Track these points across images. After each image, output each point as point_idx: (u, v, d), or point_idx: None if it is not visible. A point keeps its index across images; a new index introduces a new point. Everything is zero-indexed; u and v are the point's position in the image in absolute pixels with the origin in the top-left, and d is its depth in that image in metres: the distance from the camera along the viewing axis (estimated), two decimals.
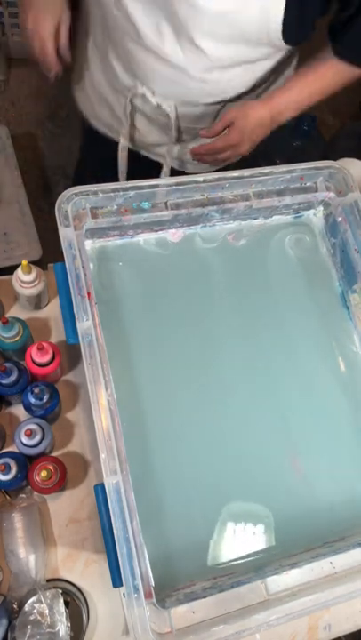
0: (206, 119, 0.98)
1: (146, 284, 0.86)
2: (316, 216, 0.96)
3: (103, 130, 1.11)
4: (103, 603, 0.77)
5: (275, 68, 0.92)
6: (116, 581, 0.64)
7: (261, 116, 0.89)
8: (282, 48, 0.84)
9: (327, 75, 0.89)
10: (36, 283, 0.82)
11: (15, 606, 0.72)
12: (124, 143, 1.07)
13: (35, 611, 0.70)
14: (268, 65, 0.89)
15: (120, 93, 0.99)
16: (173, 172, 1.13)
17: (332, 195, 0.91)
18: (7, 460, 0.74)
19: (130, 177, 1.13)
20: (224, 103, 0.95)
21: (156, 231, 0.88)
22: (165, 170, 1.12)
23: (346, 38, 0.85)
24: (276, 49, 0.84)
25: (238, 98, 0.94)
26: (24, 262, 0.78)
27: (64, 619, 0.71)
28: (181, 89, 0.90)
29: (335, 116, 2.17)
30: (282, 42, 0.80)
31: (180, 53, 0.84)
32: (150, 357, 0.82)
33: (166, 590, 0.70)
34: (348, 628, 0.81)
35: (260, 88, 0.97)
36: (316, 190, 0.91)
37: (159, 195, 0.82)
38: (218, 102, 0.93)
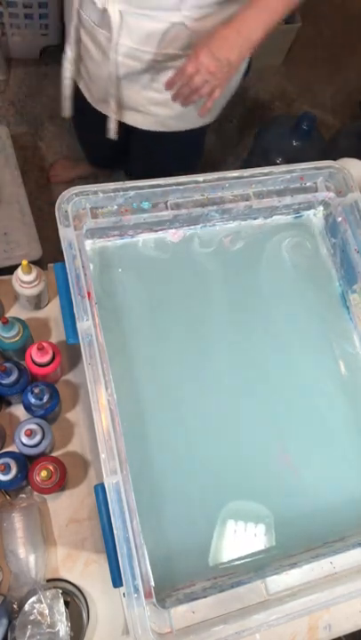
0: (150, 41, 0.94)
1: (146, 286, 0.86)
2: (316, 216, 0.96)
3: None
4: (103, 603, 0.77)
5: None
6: (116, 581, 0.64)
7: (224, 33, 0.86)
8: None
9: None
10: (36, 283, 0.82)
11: (15, 606, 0.72)
12: (67, 67, 1.07)
13: (35, 611, 0.70)
14: None
15: (71, 3, 0.98)
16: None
17: (332, 195, 0.91)
18: (7, 459, 0.74)
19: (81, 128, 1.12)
20: (170, 26, 0.91)
21: (156, 231, 0.88)
22: (111, 125, 1.10)
23: None
24: None
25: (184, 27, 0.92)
26: (24, 262, 0.78)
27: (64, 619, 0.71)
28: None
29: (335, 116, 2.17)
30: None
31: None
32: (150, 357, 0.82)
33: (166, 590, 0.70)
34: (349, 627, 0.81)
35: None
36: (316, 190, 0.91)
37: (159, 195, 0.82)
38: (164, 10, 0.89)
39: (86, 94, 1.15)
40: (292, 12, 0.89)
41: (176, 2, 0.87)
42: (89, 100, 1.15)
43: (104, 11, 0.91)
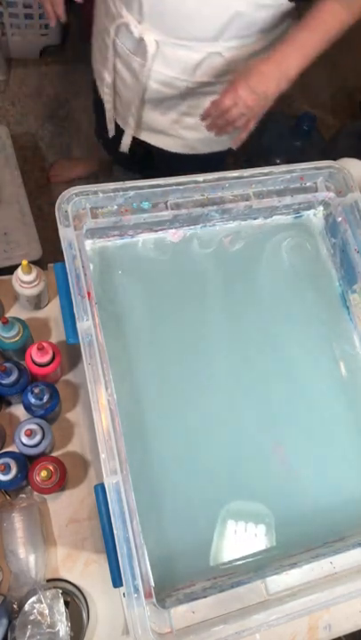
0: (185, 69, 0.95)
1: (146, 286, 0.86)
2: (316, 216, 0.96)
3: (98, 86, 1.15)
4: (103, 603, 0.77)
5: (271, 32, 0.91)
6: (116, 581, 0.64)
7: (263, 69, 0.87)
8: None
9: (326, 19, 0.86)
10: (36, 283, 0.82)
11: (15, 606, 0.72)
12: (108, 93, 1.10)
13: (35, 611, 0.70)
14: (265, 17, 0.87)
15: (107, 31, 0.99)
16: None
17: (332, 195, 0.91)
18: (7, 459, 0.74)
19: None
20: (206, 56, 0.92)
21: (156, 231, 0.88)
22: (126, 139, 1.13)
23: None
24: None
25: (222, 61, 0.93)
26: (24, 262, 0.78)
27: (64, 619, 0.71)
28: (166, 5, 0.86)
29: (335, 116, 2.17)
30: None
31: None
32: (150, 358, 0.82)
33: (166, 590, 0.70)
34: (349, 627, 0.81)
35: (253, 61, 0.94)
36: (316, 190, 0.90)
37: (159, 195, 0.82)
38: (201, 41, 0.90)
39: (116, 117, 1.17)
40: (329, 46, 0.90)
41: (215, 33, 0.88)
42: (118, 121, 1.17)
43: (140, 40, 0.92)
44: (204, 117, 0.94)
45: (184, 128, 1.09)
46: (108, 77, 1.07)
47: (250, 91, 0.86)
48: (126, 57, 0.99)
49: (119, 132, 1.18)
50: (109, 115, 1.16)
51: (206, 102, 0.93)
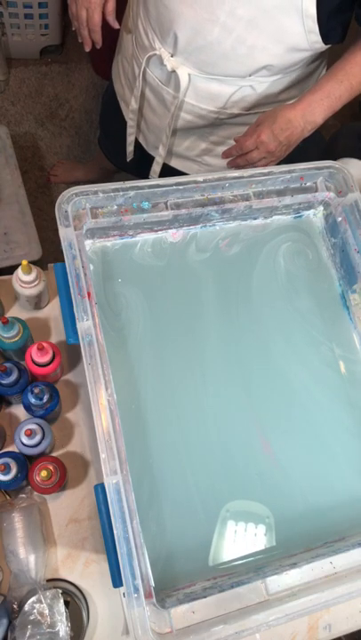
0: (215, 101, 0.95)
1: (145, 288, 0.86)
2: (316, 216, 0.96)
3: (122, 108, 1.16)
4: (103, 603, 0.77)
5: (301, 72, 0.92)
6: (116, 581, 0.64)
7: (290, 116, 0.88)
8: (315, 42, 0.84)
9: (353, 71, 0.87)
10: (36, 283, 0.82)
11: (15, 606, 0.72)
12: (131, 125, 1.11)
13: (35, 611, 0.70)
14: (296, 58, 0.88)
15: (137, 60, 1.00)
16: (165, 170, 1.15)
17: (332, 195, 0.91)
18: (7, 459, 0.74)
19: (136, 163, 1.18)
20: (237, 89, 0.93)
21: (156, 231, 0.88)
22: (155, 167, 1.13)
23: None
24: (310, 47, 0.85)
25: (256, 98, 0.93)
26: (24, 262, 0.78)
27: (64, 619, 0.71)
28: (202, 42, 0.86)
29: (335, 116, 2.16)
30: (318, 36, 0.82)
31: None
32: (150, 359, 0.82)
33: (166, 590, 0.70)
34: (349, 627, 0.81)
35: (284, 93, 0.97)
36: (316, 190, 0.91)
37: (159, 195, 0.82)
38: (234, 77, 0.90)
39: (142, 141, 1.18)
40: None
41: (250, 71, 0.88)
42: (144, 145, 1.18)
43: (172, 72, 0.93)
44: (225, 156, 0.96)
45: (211, 156, 1.10)
46: (134, 104, 1.07)
47: (273, 138, 0.88)
48: (157, 86, 1.00)
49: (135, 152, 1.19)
50: (130, 139, 1.16)
51: (235, 132, 0.93)
